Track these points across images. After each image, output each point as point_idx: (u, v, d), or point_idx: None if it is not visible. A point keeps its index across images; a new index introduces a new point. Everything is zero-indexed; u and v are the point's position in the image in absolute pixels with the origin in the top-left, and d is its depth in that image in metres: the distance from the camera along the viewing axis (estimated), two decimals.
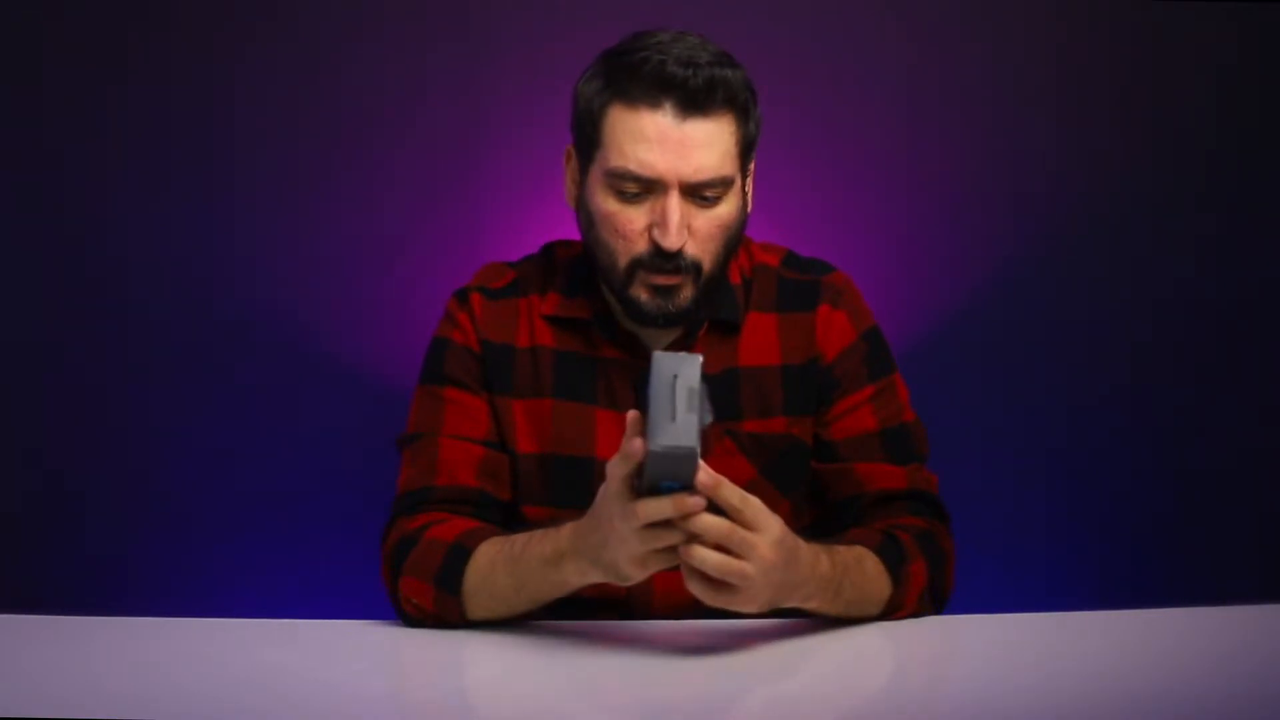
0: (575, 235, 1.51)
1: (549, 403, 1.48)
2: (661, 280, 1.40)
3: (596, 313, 1.49)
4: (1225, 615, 1.35)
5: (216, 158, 2.06)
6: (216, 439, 2.06)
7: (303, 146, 2.06)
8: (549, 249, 1.57)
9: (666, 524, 1.18)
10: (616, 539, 1.21)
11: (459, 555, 1.36)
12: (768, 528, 1.20)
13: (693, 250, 1.40)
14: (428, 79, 2.05)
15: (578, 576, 1.29)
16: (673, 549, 1.19)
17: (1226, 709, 1.13)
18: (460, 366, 1.49)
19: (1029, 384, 2.10)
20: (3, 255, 2.06)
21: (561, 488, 1.47)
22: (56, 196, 2.06)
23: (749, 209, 1.47)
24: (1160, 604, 1.38)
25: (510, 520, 1.48)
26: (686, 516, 1.17)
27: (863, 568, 1.36)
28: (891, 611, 1.39)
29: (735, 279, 1.51)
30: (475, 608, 1.36)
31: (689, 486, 1.16)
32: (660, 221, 1.38)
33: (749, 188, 1.48)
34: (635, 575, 1.23)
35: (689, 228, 1.39)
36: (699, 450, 1.14)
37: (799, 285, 1.52)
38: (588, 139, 1.42)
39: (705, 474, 1.16)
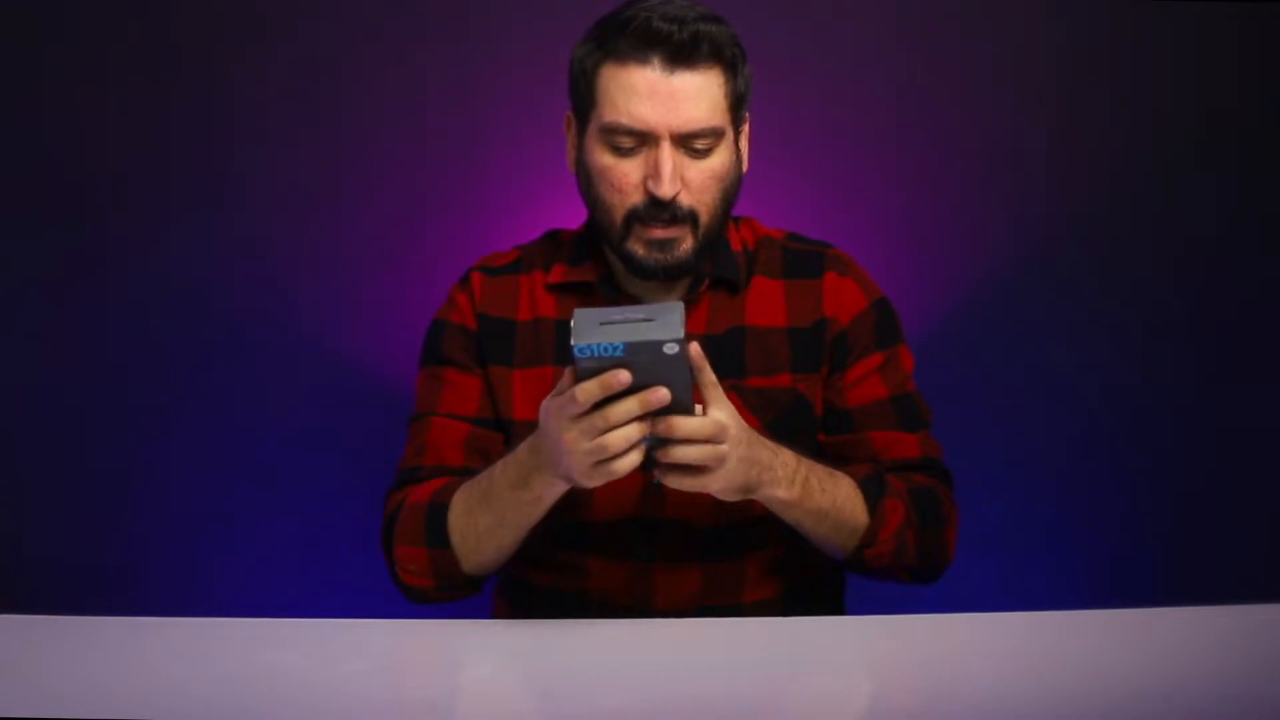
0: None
1: (550, 370, 1.51)
2: (659, 233, 1.44)
3: (601, 276, 1.53)
4: (1225, 615, 1.35)
5: (216, 157, 2.05)
6: (214, 438, 2.06)
7: (303, 146, 2.05)
8: (552, 232, 1.62)
9: (604, 416, 1.23)
10: (567, 444, 1.26)
11: (438, 510, 1.43)
12: (727, 407, 1.28)
13: (688, 200, 1.44)
14: (428, 79, 2.05)
15: (549, 491, 1.35)
16: (627, 453, 1.24)
17: (1226, 709, 1.14)
18: (454, 346, 1.54)
19: (1028, 384, 2.10)
20: (3, 255, 2.05)
21: None
22: (57, 196, 2.06)
23: (745, 166, 1.51)
24: (1160, 603, 1.38)
25: None
26: (612, 388, 1.21)
27: (836, 482, 1.42)
28: (868, 543, 1.44)
29: (737, 247, 1.55)
30: (468, 555, 1.42)
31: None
32: (653, 172, 1.42)
33: (743, 145, 1.51)
34: (594, 480, 1.27)
35: (683, 178, 1.43)
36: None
37: (803, 255, 1.57)
38: (583, 100, 1.47)
39: (696, 349, 1.24)
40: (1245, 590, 1.39)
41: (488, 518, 1.40)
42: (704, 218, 1.45)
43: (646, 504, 1.48)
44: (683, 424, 1.24)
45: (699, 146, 1.43)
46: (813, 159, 2.05)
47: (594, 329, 1.19)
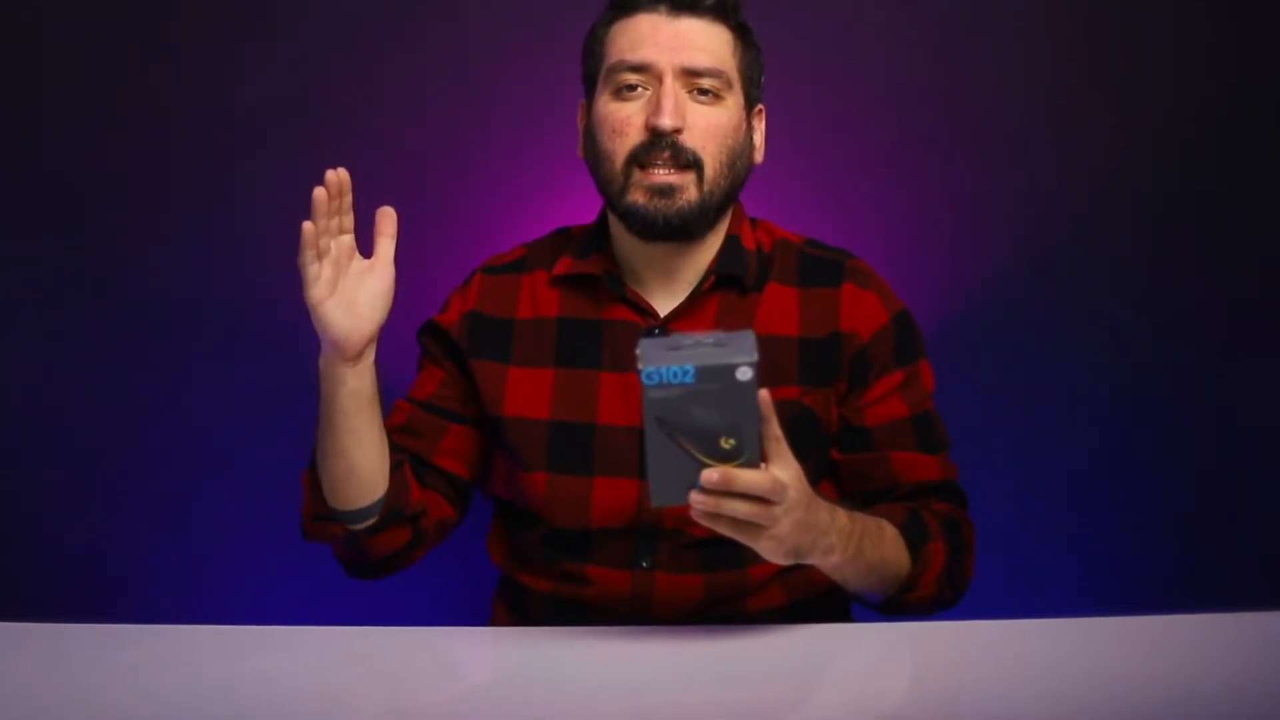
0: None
1: (550, 372, 1.50)
2: (660, 176, 1.40)
3: (606, 270, 1.49)
4: (1235, 622, 1.34)
5: (216, 157, 2.04)
6: (212, 440, 2.05)
7: (302, 146, 2.04)
8: (562, 229, 1.60)
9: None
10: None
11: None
12: (792, 465, 1.19)
13: (691, 142, 1.41)
14: (427, 78, 2.04)
15: (326, 378, 1.39)
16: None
17: (1233, 715, 1.13)
18: (430, 343, 1.57)
19: (1030, 388, 2.08)
20: (2, 255, 2.04)
21: (561, 453, 1.48)
22: (56, 196, 2.05)
23: (759, 157, 1.49)
24: (1170, 610, 1.37)
25: (436, 475, 1.53)
26: None
27: (883, 534, 1.37)
28: (909, 589, 1.40)
29: (750, 246, 1.51)
30: (324, 475, 1.43)
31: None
32: (655, 107, 1.40)
33: (758, 133, 1.49)
34: (312, 300, 1.38)
35: (687, 120, 1.40)
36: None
37: (822, 262, 1.53)
38: (595, 68, 1.46)
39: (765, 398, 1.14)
40: (1261, 596, 1.38)
41: (319, 427, 1.43)
42: (709, 168, 1.41)
43: (644, 512, 1.46)
44: (739, 477, 1.14)
45: (705, 86, 1.41)
46: (812, 158, 2.03)
47: (661, 354, 1.13)
